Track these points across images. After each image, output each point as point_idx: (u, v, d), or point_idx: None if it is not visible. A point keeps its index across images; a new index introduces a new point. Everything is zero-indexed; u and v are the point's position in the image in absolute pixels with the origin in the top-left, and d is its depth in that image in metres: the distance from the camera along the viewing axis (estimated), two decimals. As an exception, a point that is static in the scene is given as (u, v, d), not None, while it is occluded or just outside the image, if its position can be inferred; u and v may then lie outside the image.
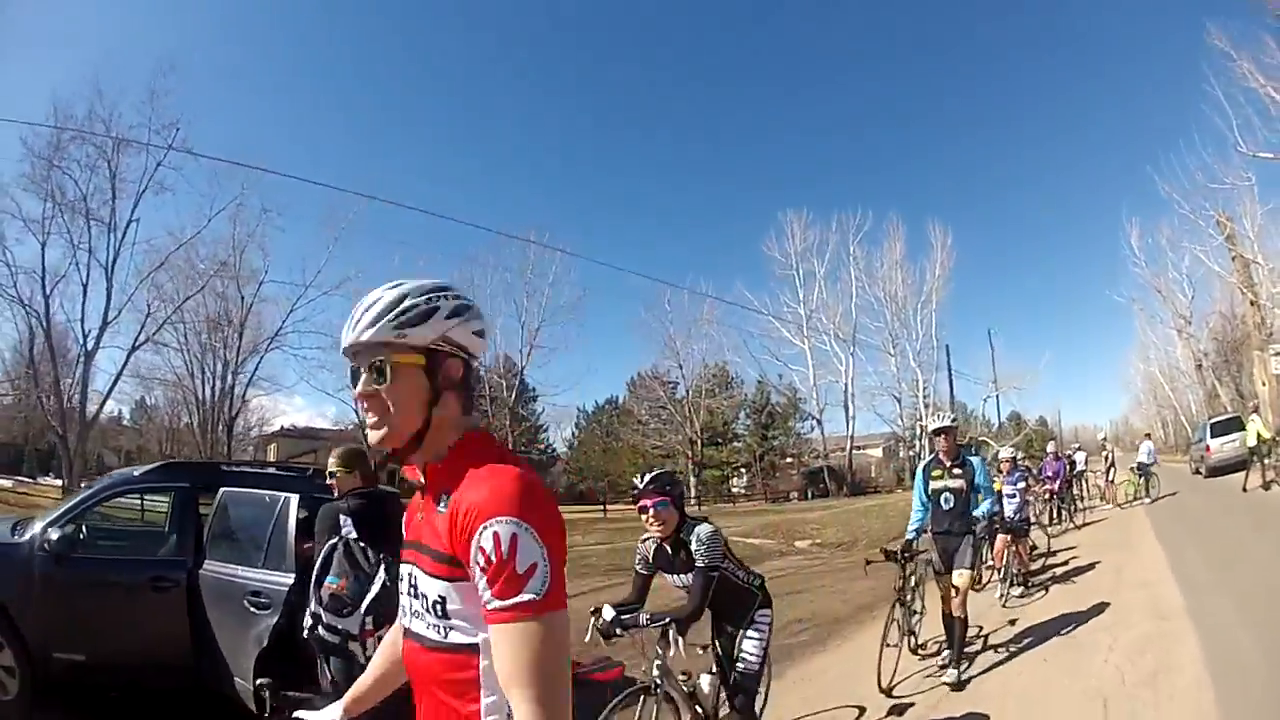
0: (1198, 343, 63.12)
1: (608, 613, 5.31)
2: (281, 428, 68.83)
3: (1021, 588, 13.55)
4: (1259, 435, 25.10)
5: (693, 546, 5.34)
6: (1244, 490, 24.77)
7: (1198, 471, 36.29)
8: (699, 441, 68.45)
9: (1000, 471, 15.38)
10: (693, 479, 66.01)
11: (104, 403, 44.50)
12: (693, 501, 60.11)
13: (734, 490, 72.57)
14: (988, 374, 66.64)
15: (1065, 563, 16.49)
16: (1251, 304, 47.69)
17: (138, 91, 57.21)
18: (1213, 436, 33.93)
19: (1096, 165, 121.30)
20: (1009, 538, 13.21)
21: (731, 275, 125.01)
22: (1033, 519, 17.80)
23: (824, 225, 69.14)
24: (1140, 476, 28.69)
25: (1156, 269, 63.00)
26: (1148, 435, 32.07)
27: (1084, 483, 28.51)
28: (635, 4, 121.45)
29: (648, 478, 5.51)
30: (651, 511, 5.41)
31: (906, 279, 67.45)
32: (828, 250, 68.68)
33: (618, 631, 5.22)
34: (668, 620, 5.15)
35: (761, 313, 68.10)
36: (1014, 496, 15.09)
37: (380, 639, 5.61)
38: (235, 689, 6.93)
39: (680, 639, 5.17)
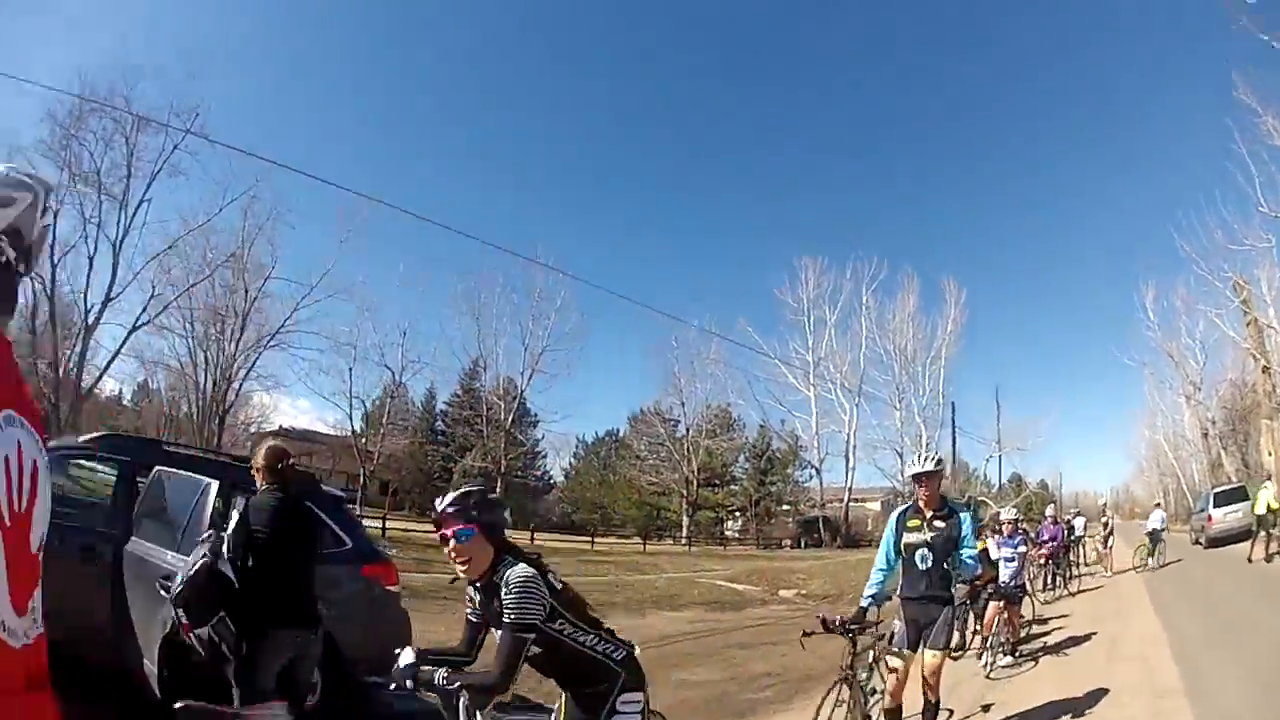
0: (1206, 410, 62.08)
1: (406, 657, 4.03)
2: (280, 427, 64.73)
3: (1010, 657, 12.52)
4: (1269, 505, 24.24)
5: (501, 594, 3.78)
6: (1249, 560, 24.27)
7: (1197, 542, 35.42)
8: (695, 481, 67.40)
9: (1000, 533, 14.46)
10: (686, 519, 65.77)
11: (99, 378, 44.76)
12: (684, 542, 59.97)
13: (727, 534, 71.26)
14: (991, 433, 66.95)
15: (1056, 631, 15.67)
16: (1264, 370, 46.68)
17: (164, 72, 65.14)
18: (1215, 506, 33.10)
19: (1114, 224, 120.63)
20: (1001, 604, 12.32)
21: (738, 316, 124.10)
22: (1027, 585, 16.78)
23: (838, 272, 68.94)
24: (1151, 542, 28.10)
25: (1169, 333, 62.27)
26: (1158, 505, 31.14)
27: (1081, 548, 27.85)
28: (668, 39, 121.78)
29: (448, 498, 3.99)
30: (452, 544, 3.88)
31: (917, 333, 67.25)
32: (840, 298, 68.46)
33: (407, 684, 3.96)
34: (457, 686, 3.81)
35: (769, 356, 67.65)
36: (1012, 560, 13.92)
37: (198, 636, 5.36)
38: (145, 670, 6.72)
39: (478, 713, 3.86)
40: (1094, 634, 14.54)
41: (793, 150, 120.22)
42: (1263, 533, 24.38)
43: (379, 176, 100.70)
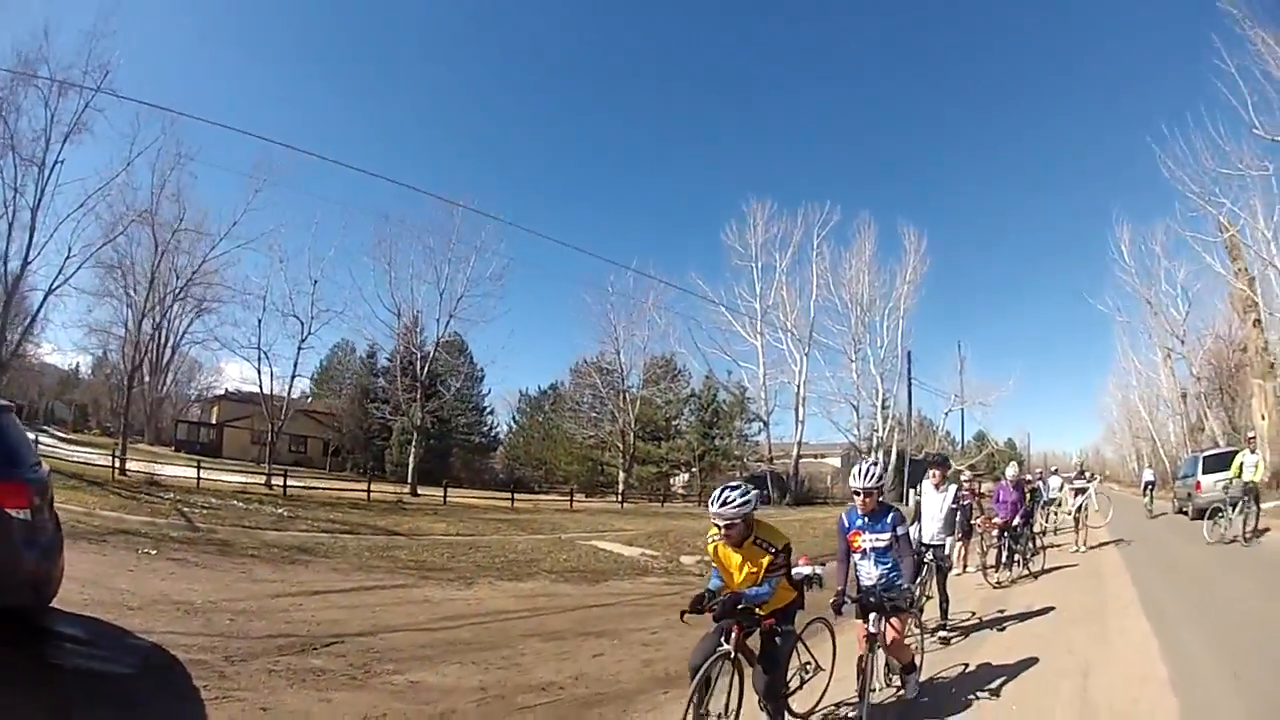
0: (1190, 365, 57.22)
1: None
2: (226, 391, 69.87)
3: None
4: (1252, 476, 20.28)
5: None
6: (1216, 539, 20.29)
7: (1182, 511, 31.66)
8: (632, 434, 64.06)
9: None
10: (622, 474, 62.72)
11: (17, 346, 42.34)
12: (619, 499, 57.49)
13: (675, 490, 69.57)
14: (953, 388, 65.38)
15: (999, 628, 11.95)
16: (1255, 324, 41.80)
17: (71, 28, 61.42)
18: (1205, 472, 28.79)
19: (1087, 158, 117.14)
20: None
21: (686, 266, 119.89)
22: (956, 562, 16.32)
23: (789, 218, 66.31)
24: (1149, 494, 30.55)
25: (1147, 279, 57.59)
26: (1149, 467, 27.45)
27: (1053, 515, 25.39)
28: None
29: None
30: None
31: (874, 282, 64.97)
32: (790, 244, 65.91)
33: None
34: None
35: (713, 301, 65.06)
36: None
37: None
38: None
39: None
40: (1053, 650, 10.00)
41: (744, 91, 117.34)
42: (1244, 505, 20.04)
43: (296, 125, 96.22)
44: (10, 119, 36.93)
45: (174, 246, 44.62)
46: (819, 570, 10.30)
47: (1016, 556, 17.41)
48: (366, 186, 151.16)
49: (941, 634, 11.13)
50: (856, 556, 7.77)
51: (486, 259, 54.70)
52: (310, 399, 70.99)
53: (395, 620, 11.74)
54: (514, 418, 79.07)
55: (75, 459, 35.51)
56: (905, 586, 7.53)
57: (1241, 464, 20.54)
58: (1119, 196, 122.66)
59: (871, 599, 7.26)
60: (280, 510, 27.85)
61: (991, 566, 17.01)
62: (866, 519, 7.69)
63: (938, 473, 12.33)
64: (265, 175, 45.86)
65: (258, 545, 18.52)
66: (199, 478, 33.35)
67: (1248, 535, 19.52)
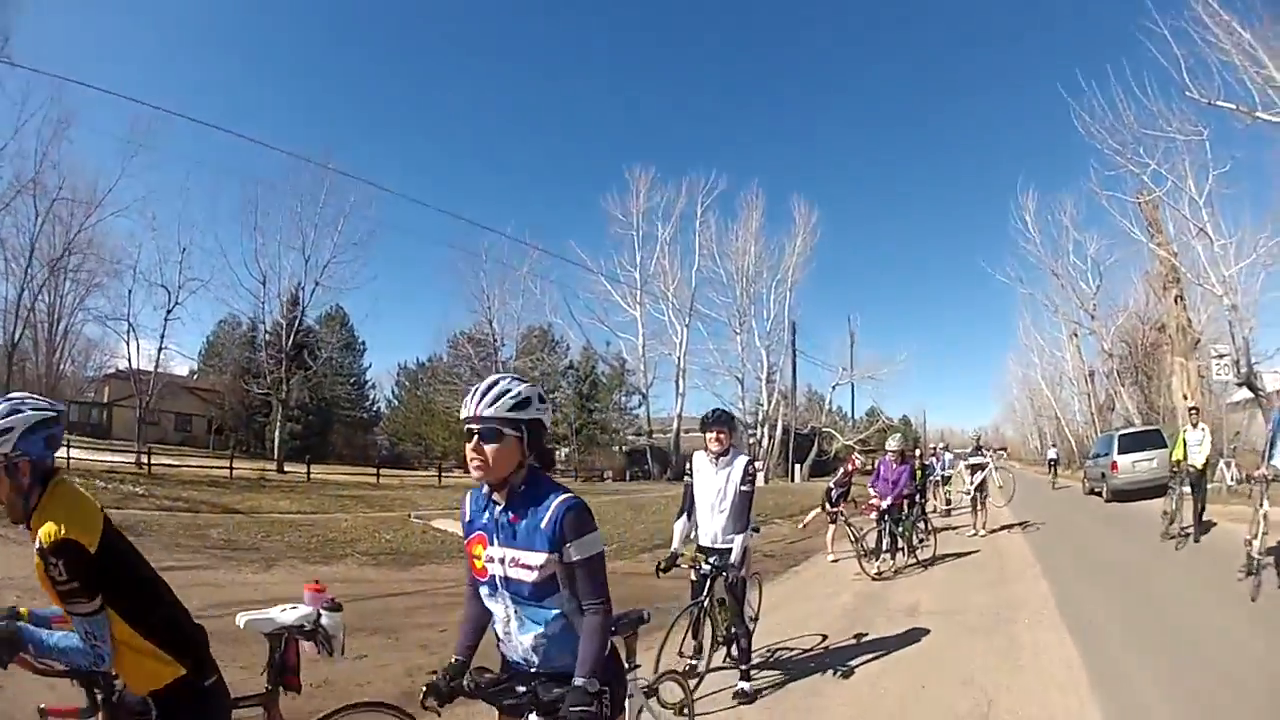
0: (1101, 341, 55.04)
1: None
2: (118, 369, 63.38)
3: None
4: (1195, 457, 16.91)
5: None
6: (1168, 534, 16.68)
7: (1094, 492, 30.14)
8: None
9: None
10: None
11: None
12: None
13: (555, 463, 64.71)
14: (843, 362, 64.71)
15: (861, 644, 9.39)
16: (1177, 300, 39.99)
17: None
18: (1122, 452, 26.98)
19: (995, 125, 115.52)
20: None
21: (565, 234, 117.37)
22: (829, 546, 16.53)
23: (674, 186, 65.08)
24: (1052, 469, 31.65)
25: (1055, 252, 55.36)
26: (1054, 446, 26.44)
27: (943, 493, 23.92)
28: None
29: None
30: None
31: (762, 254, 63.77)
32: (674, 213, 64.59)
33: None
34: None
35: (591, 270, 63.86)
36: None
37: None
38: None
39: None
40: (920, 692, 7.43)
41: (630, 50, 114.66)
42: (1180, 492, 16.97)
43: (174, 87, 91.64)
44: None
45: (53, 216, 44.22)
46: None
47: (900, 543, 14.99)
48: (238, 153, 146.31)
49: (742, 688, 7.36)
50: None
51: (355, 224, 52.73)
52: (196, 376, 67.83)
53: None
54: (393, 392, 76.79)
55: None
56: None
57: (1185, 442, 17.70)
58: (1024, 164, 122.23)
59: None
60: (135, 489, 26.81)
61: (869, 553, 14.30)
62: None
63: (718, 435, 7.47)
64: (140, 140, 45.01)
65: None
66: (68, 458, 30.96)
67: (1185, 530, 16.44)
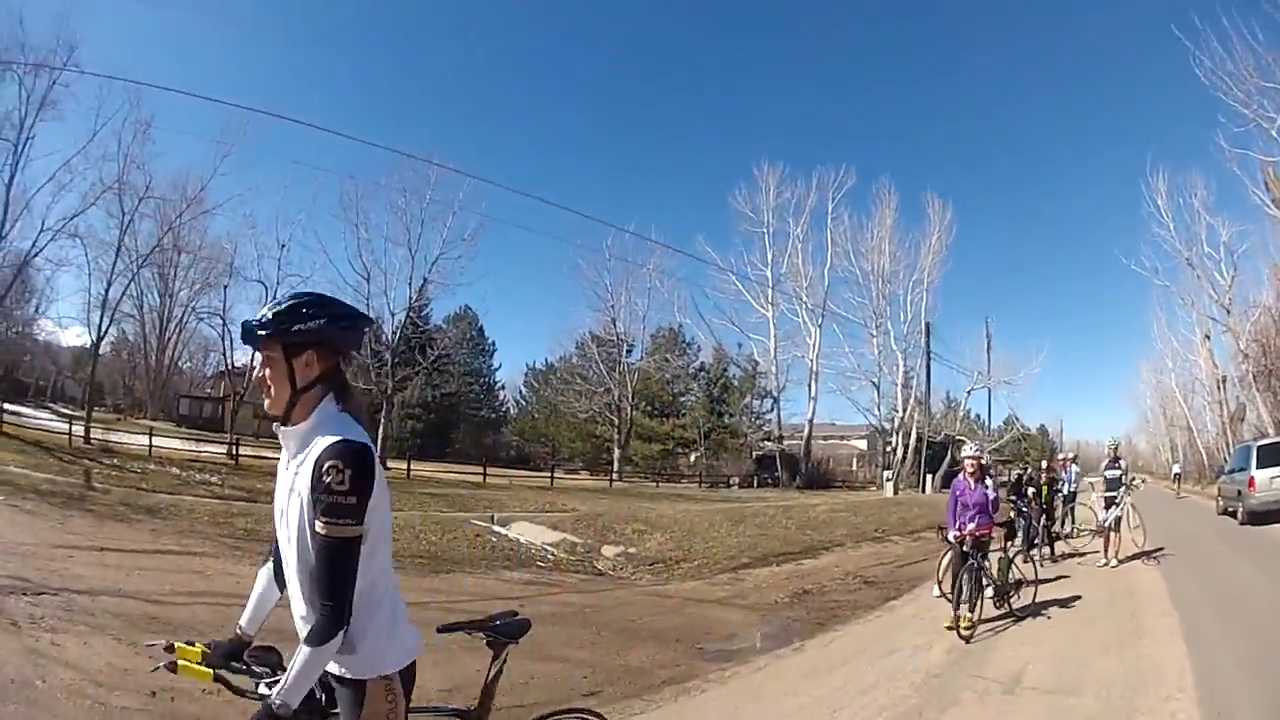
0: (1237, 340, 50.40)
1: None
2: (232, 366, 62.99)
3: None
4: None
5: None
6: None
7: (1227, 512, 26.38)
8: (629, 409, 60.10)
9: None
10: (616, 450, 58.79)
11: None
12: (610, 477, 54.02)
13: (682, 469, 64.59)
14: (979, 366, 60.47)
15: None
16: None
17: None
18: (1261, 466, 23.07)
19: (1122, 104, 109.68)
20: None
21: (693, 232, 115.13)
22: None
23: (803, 183, 61.71)
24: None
25: (1188, 240, 51.66)
26: (1177, 462, 23.52)
27: (1071, 515, 20.96)
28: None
29: None
30: None
31: (897, 253, 60.66)
32: (804, 210, 61.37)
33: None
34: None
35: (721, 268, 61.00)
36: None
37: None
38: None
39: None
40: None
41: (757, 53, 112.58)
42: None
43: (268, 87, 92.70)
44: None
45: (142, 215, 44.67)
46: None
47: (988, 584, 11.45)
48: (340, 149, 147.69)
49: None
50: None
51: (464, 219, 51.46)
52: None
53: (141, 585, 11.14)
54: (521, 392, 75.82)
55: (40, 428, 36.51)
56: None
57: None
58: (1152, 142, 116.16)
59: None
60: (209, 477, 27.44)
61: (956, 601, 10.57)
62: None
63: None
64: (232, 140, 45.73)
65: (120, 503, 19.05)
66: (150, 446, 33.40)
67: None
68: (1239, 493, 24.23)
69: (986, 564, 11.28)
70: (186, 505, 20.30)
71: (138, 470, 27.02)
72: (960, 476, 11.82)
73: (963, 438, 54.22)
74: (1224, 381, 54.38)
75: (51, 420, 40.08)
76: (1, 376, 54.30)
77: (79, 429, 35.06)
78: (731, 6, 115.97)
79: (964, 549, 10.97)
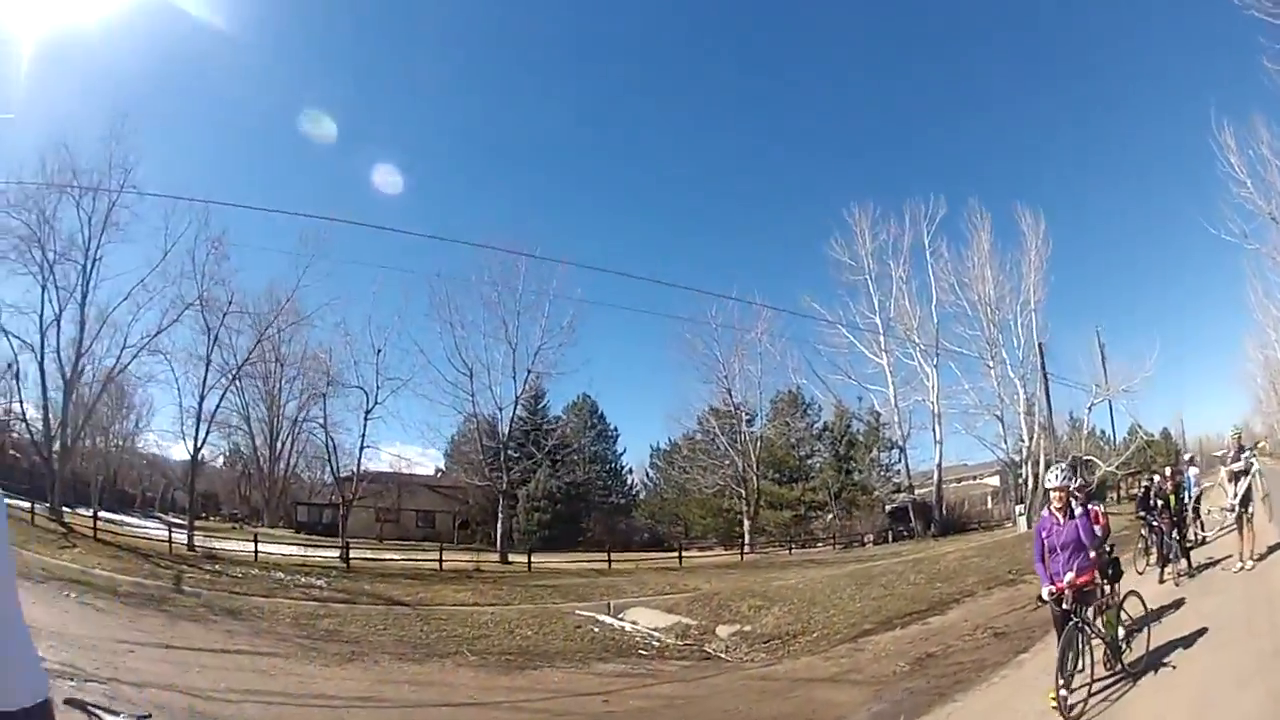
0: None
1: None
2: (352, 472, 61.97)
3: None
4: None
5: None
6: None
7: None
8: (754, 478, 58.91)
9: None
10: (746, 522, 57.66)
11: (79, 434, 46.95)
12: (740, 550, 54.29)
13: (815, 533, 62.17)
14: (1095, 378, 57.07)
15: None
16: None
17: (92, 137, 57.87)
18: None
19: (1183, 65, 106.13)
20: None
21: (794, 292, 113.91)
22: None
23: (896, 220, 59.40)
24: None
25: (1267, 193, 45.96)
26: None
27: (1199, 523, 19.37)
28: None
29: None
30: None
31: (999, 277, 58.11)
32: (903, 249, 59.34)
33: None
34: None
35: (830, 321, 59.15)
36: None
37: None
38: None
39: None
40: None
41: (827, 92, 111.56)
42: None
43: (339, 197, 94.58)
44: (43, 224, 39.61)
45: (232, 330, 45.48)
46: None
47: (1094, 642, 9.72)
48: (423, 247, 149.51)
49: None
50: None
51: (561, 305, 51.31)
52: (440, 474, 67.83)
53: (195, 682, 11.14)
54: (647, 474, 73.99)
55: (142, 535, 38.14)
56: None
57: None
58: (1214, 93, 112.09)
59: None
60: (311, 579, 28.37)
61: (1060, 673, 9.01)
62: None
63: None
64: (311, 249, 45.72)
65: (201, 605, 19.64)
66: (256, 551, 34.05)
67: None
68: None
69: (1090, 619, 9.44)
70: (271, 607, 20.46)
71: (238, 575, 27.54)
72: (1046, 512, 10.19)
73: (1090, 456, 52.22)
74: None
75: (156, 529, 40.94)
76: (103, 488, 55.25)
77: (182, 536, 35.63)
78: (792, 46, 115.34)
79: (1064, 606, 9.21)
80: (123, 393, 53.21)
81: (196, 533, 38.19)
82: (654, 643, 18.23)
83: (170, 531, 35.98)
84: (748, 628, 19.81)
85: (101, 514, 43.92)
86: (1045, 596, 9.35)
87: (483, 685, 13.43)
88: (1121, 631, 10.55)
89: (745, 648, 17.53)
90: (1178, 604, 12.89)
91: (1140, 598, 11.60)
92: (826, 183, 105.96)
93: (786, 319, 59.74)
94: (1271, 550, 14.95)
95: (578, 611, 22.72)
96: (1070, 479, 10.79)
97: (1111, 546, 12.36)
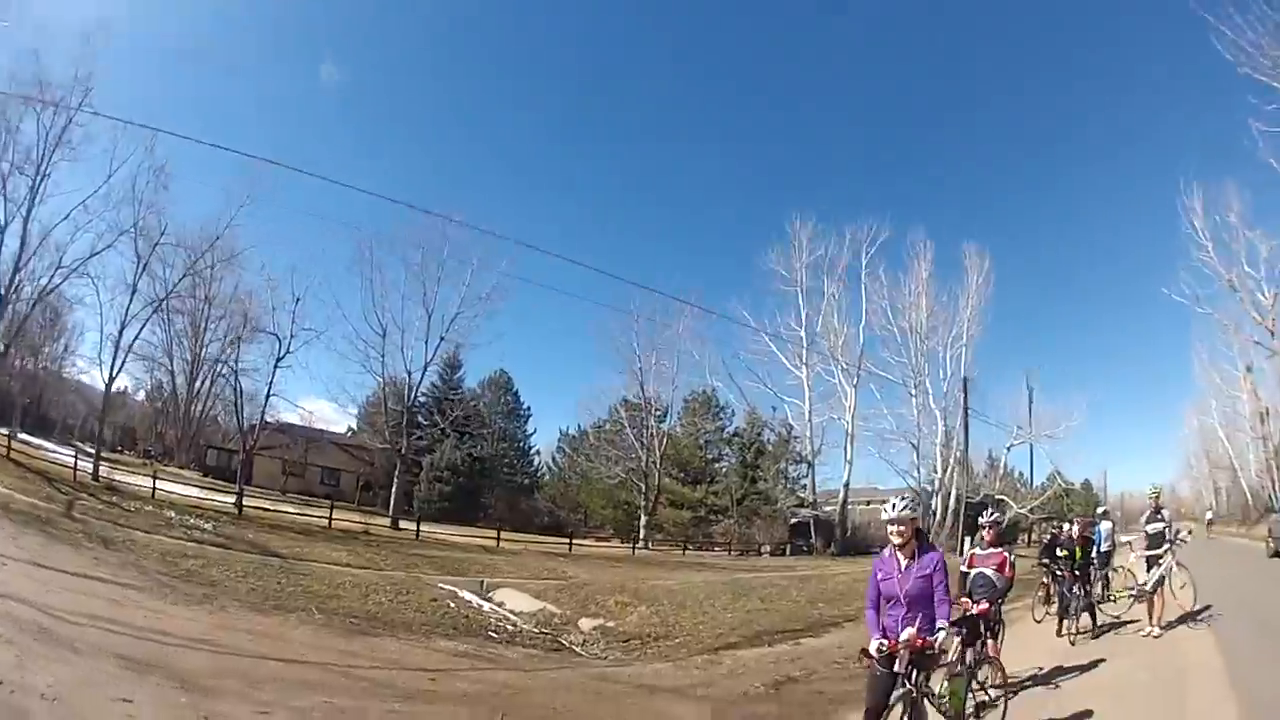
0: None
1: None
2: (264, 420, 63.25)
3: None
4: None
5: None
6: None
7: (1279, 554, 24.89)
8: (657, 474, 58.55)
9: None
10: (643, 517, 57.07)
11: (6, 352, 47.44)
12: (634, 544, 52.45)
13: (714, 537, 62.33)
14: (1019, 420, 58.44)
15: None
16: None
17: (55, 42, 59.14)
18: None
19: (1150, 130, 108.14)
20: None
21: (724, 295, 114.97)
22: None
23: (836, 238, 60.54)
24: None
25: (1228, 259, 48.83)
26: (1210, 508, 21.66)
27: (1106, 581, 18.35)
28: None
29: None
30: None
31: (934, 308, 59.12)
32: (839, 266, 60.09)
33: None
34: None
35: (753, 327, 59.52)
36: None
37: None
38: None
39: None
40: None
41: (787, 106, 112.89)
42: None
43: (287, 135, 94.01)
44: (6, 133, 39.84)
45: (166, 264, 46.74)
46: None
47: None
48: (358, 206, 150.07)
49: None
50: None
51: (483, 277, 50.94)
52: (351, 434, 68.48)
53: (50, 600, 11.40)
54: (554, 457, 74.72)
55: (53, 460, 37.78)
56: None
57: None
58: (1185, 159, 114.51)
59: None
60: (199, 522, 27.67)
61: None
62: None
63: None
64: (249, 189, 46.22)
65: (81, 532, 19.85)
66: (154, 489, 33.56)
67: None
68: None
69: (929, 688, 7.31)
70: (146, 542, 20.38)
71: (130, 509, 27.38)
72: (887, 552, 7.47)
73: (1002, 496, 52.66)
74: (1267, 414, 53.03)
75: (68, 456, 39.97)
76: (25, 410, 54.90)
77: (89, 465, 35.43)
78: (760, 60, 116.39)
79: (895, 669, 6.94)
80: (56, 315, 53.51)
81: (106, 465, 37.75)
82: (509, 627, 17.74)
83: (77, 459, 36.14)
84: (611, 624, 19.29)
85: (21, 435, 44.56)
86: (872, 652, 6.95)
87: (317, 644, 12.94)
88: (972, 705, 8.66)
89: (603, 644, 16.81)
90: (1065, 671, 11.58)
91: (1000, 665, 9.46)
92: (771, 194, 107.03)
93: (710, 320, 60.75)
94: (1180, 619, 14.09)
95: (443, 585, 22.38)
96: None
97: (997, 601, 10.63)
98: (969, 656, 9.26)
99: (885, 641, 6.84)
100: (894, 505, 7.22)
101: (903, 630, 6.87)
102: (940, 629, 6.77)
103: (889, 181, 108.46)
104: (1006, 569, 10.46)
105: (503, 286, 51.34)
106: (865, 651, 6.94)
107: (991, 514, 11.10)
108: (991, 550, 10.60)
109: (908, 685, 6.76)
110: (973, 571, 10.63)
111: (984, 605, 9.81)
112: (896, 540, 7.22)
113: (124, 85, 77.61)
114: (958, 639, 8.95)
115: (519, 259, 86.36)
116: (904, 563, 7.17)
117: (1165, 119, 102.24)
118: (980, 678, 9.08)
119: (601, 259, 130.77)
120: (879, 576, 7.26)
